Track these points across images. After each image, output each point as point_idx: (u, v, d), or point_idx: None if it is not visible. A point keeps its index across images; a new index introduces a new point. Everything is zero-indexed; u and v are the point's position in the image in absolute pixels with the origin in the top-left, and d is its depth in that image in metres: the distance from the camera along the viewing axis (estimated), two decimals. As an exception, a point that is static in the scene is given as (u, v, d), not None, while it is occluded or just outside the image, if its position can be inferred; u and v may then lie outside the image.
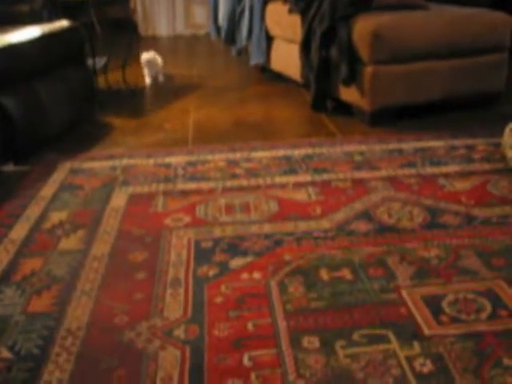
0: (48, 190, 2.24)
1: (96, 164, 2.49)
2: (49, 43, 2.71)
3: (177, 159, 2.51)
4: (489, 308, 1.47)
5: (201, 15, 6.10)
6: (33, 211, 2.07)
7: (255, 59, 3.85)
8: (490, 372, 1.25)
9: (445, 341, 1.35)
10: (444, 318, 1.43)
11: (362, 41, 2.80)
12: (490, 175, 2.27)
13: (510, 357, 1.29)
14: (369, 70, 2.81)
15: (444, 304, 1.48)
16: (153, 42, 5.80)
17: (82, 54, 3.03)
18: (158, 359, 1.32)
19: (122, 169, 2.42)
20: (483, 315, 1.44)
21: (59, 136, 2.78)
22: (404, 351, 1.32)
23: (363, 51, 2.80)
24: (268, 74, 3.92)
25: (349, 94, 2.97)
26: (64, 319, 1.47)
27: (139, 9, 6.11)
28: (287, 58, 3.51)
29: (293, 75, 3.46)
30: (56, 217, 2.01)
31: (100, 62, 3.69)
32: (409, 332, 1.38)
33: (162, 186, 2.23)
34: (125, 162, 2.50)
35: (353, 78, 2.89)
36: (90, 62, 3.35)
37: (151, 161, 2.50)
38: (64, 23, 2.83)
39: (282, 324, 1.41)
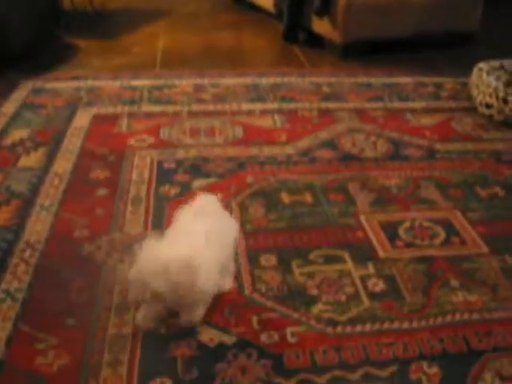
0: (9, 107, 2.18)
1: (60, 84, 2.42)
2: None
3: (143, 82, 2.45)
4: (443, 235, 1.51)
5: None
6: (-8, 127, 2.01)
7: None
8: (437, 291, 1.31)
9: (398, 263, 1.39)
10: (399, 243, 1.47)
11: (338, -30, 2.73)
12: (455, 113, 2.29)
13: (457, 278, 1.35)
14: (342, 1, 2.76)
15: (400, 230, 1.52)
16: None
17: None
18: (117, 272, 1.33)
19: (86, 90, 2.36)
20: (437, 241, 1.48)
21: (21, 56, 2.67)
22: (358, 271, 1.36)
23: (338, -19, 2.74)
24: (240, 3, 3.81)
25: (321, 26, 2.92)
26: (23, 233, 1.46)
27: None
28: (261, -13, 3.41)
29: (265, 5, 3.37)
30: (17, 134, 1.97)
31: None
32: (364, 254, 1.42)
33: (127, 108, 2.19)
34: (90, 83, 2.43)
35: (326, 10, 2.83)
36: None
37: (117, 83, 2.44)
38: None
39: (240, 243, 1.43)
